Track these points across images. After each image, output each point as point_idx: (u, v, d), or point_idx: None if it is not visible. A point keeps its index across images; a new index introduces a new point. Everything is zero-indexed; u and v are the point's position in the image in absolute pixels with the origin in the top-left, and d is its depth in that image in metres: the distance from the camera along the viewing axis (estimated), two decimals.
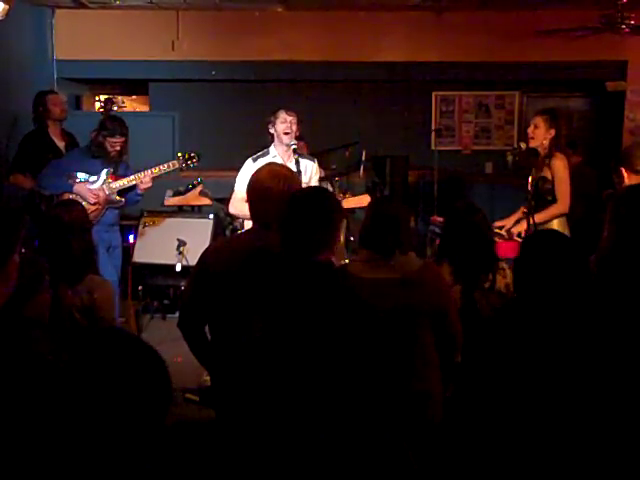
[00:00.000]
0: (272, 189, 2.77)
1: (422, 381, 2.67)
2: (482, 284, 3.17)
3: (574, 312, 2.28)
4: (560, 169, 4.55)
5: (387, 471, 2.13)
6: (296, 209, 2.55)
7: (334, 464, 2.08)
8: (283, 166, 3.13)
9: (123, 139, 4.98)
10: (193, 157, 5.25)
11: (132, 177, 5.01)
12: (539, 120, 4.65)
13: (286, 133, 4.65)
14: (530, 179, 4.55)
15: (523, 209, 4.65)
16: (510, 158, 8.58)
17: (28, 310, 2.97)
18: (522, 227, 4.57)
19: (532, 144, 4.68)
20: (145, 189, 5.06)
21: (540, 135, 4.63)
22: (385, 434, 2.18)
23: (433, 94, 8.92)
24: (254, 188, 2.85)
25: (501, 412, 2.26)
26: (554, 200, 4.56)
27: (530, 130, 4.70)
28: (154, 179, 5.07)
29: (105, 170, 4.99)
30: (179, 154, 5.30)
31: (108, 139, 4.93)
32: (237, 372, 2.42)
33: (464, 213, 3.35)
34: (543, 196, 4.59)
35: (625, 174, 3.77)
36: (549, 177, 4.58)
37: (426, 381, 2.68)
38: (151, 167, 5.05)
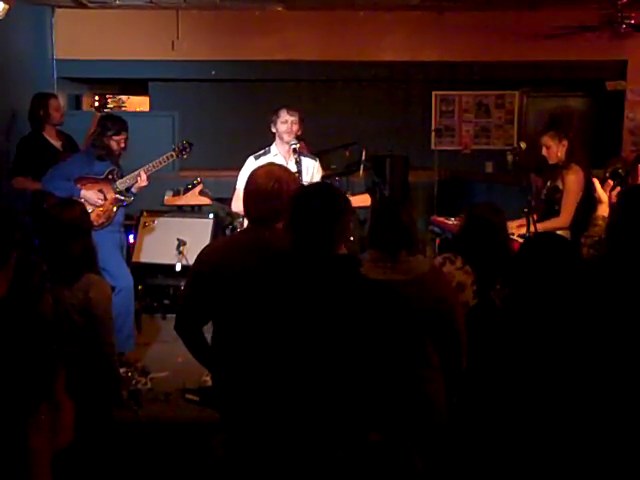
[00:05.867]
0: (264, 189, 2.78)
1: (426, 383, 2.65)
2: (496, 285, 3.19)
3: (573, 313, 2.28)
4: (571, 183, 4.52)
5: (392, 473, 2.12)
6: (304, 206, 2.44)
7: (337, 465, 2.08)
8: (281, 167, 3.09)
9: (126, 136, 5.04)
10: (186, 147, 5.34)
11: (135, 173, 5.05)
12: (547, 140, 4.62)
13: (286, 133, 4.66)
14: (540, 182, 4.54)
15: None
16: (510, 158, 8.59)
17: (39, 309, 2.98)
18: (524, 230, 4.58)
19: (550, 162, 4.64)
20: (141, 187, 5.08)
21: (553, 153, 4.60)
22: (390, 436, 2.16)
23: (433, 94, 8.92)
24: (248, 186, 2.87)
25: (510, 413, 2.25)
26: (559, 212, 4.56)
27: (544, 152, 4.64)
28: (153, 174, 5.12)
29: (109, 169, 5.02)
30: (173, 146, 5.39)
31: (114, 138, 4.97)
32: (246, 371, 2.36)
33: (487, 213, 3.36)
34: (552, 205, 4.59)
35: None
36: (561, 188, 4.57)
37: (430, 383, 2.66)
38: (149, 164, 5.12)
